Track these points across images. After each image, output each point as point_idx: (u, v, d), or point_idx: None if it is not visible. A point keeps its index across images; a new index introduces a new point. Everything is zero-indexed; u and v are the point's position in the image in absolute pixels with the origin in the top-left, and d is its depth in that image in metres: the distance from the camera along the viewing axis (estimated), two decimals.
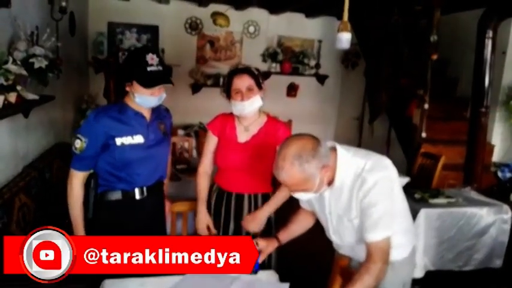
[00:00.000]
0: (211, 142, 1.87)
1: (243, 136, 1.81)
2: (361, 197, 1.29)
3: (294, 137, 1.32)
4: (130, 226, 1.62)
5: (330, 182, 1.36)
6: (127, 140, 1.59)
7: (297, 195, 1.36)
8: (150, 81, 1.53)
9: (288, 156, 1.24)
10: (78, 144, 1.55)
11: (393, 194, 1.33)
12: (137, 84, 1.54)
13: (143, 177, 1.66)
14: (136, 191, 1.65)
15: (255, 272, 1.32)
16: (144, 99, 1.57)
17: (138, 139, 1.61)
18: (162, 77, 1.56)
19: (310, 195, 1.36)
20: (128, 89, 1.59)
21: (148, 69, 1.52)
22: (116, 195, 1.63)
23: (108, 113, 1.59)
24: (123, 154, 1.59)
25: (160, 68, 1.55)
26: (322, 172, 1.28)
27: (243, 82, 1.71)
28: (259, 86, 1.74)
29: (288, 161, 1.24)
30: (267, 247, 1.50)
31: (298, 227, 1.62)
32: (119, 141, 1.57)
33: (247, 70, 1.74)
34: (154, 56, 1.54)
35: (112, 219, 1.61)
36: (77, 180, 1.60)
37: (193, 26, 4.93)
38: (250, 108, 1.74)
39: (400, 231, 1.42)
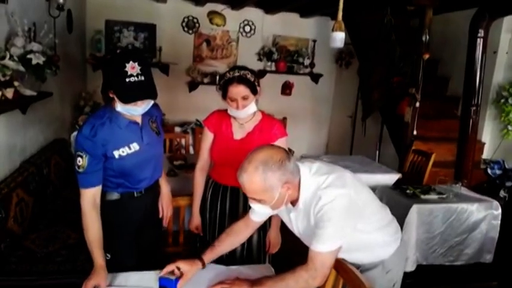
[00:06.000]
0: (208, 139, 1.90)
1: (238, 133, 1.85)
2: (316, 212, 1.31)
3: (267, 146, 1.33)
4: (127, 220, 1.65)
5: (294, 202, 1.37)
6: (124, 151, 1.53)
7: (253, 205, 1.34)
8: (128, 96, 1.40)
9: (254, 160, 1.24)
10: (81, 161, 1.45)
11: (349, 211, 1.31)
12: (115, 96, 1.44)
13: (146, 182, 1.66)
14: (135, 191, 1.66)
15: None
16: (126, 110, 1.48)
17: (134, 147, 1.55)
18: (142, 91, 1.40)
19: (265, 209, 1.35)
20: (111, 95, 1.47)
21: (127, 80, 1.36)
22: (115, 196, 1.62)
23: (102, 125, 1.49)
24: (121, 164, 1.54)
25: (142, 78, 1.38)
26: (283, 187, 1.27)
27: (238, 92, 1.74)
28: (255, 92, 1.78)
29: (253, 165, 1.23)
30: (190, 270, 1.41)
31: (232, 240, 1.55)
32: (116, 153, 1.51)
33: (243, 80, 1.75)
34: (136, 65, 1.37)
35: (109, 215, 1.59)
36: (87, 200, 1.47)
37: (190, 25, 4.94)
38: (244, 115, 1.80)
39: (374, 230, 1.45)
